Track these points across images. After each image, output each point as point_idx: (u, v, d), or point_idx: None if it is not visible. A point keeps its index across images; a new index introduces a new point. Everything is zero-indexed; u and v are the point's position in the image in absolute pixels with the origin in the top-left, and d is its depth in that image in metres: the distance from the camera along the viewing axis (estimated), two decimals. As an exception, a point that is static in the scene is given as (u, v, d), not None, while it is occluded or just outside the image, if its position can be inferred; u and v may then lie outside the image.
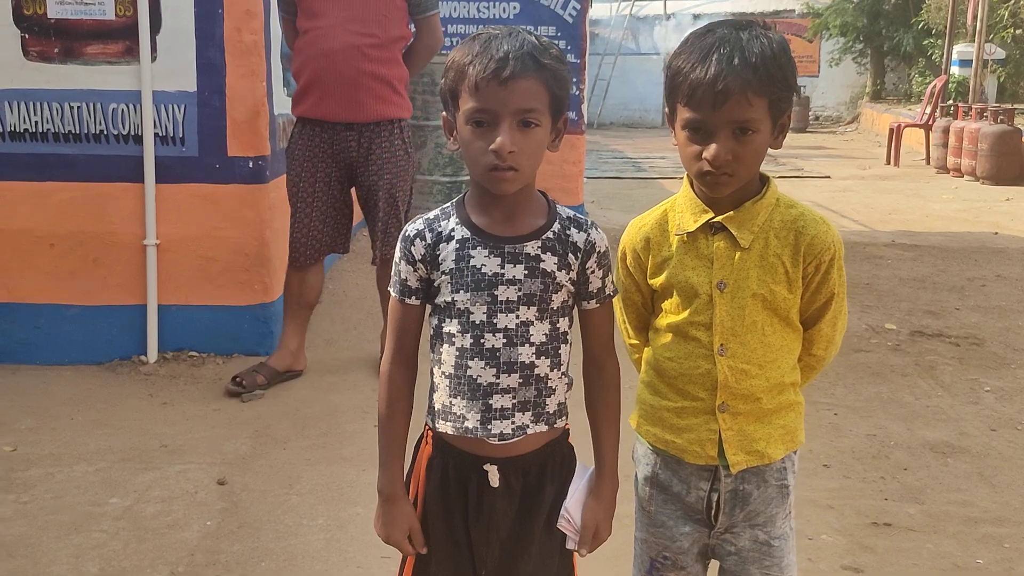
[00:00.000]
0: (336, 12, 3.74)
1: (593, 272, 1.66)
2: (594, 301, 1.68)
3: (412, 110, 4.04)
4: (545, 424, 1.64)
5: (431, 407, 1.68)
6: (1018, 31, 13.17)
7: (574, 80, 7.00)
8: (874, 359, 4.36)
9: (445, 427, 1.65)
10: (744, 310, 1.65)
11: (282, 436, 3.49)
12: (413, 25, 3.98)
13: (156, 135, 4.05)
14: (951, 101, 13.53)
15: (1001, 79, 15.40)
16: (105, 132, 4.06)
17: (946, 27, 14.56)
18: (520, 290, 1.60)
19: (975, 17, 13.56)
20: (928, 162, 12.55)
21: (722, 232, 1.65)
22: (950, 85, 14.14)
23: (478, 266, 1.61)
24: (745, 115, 1.55)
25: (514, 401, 1.61)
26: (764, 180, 1.69)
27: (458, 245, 1.62)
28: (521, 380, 1.61)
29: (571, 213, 1.67)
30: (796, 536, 1.81)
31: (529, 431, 1.63)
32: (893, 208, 8.92)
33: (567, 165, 7.37)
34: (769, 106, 1.57)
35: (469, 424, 1.62)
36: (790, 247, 1.65)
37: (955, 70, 14.63)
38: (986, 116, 11.17)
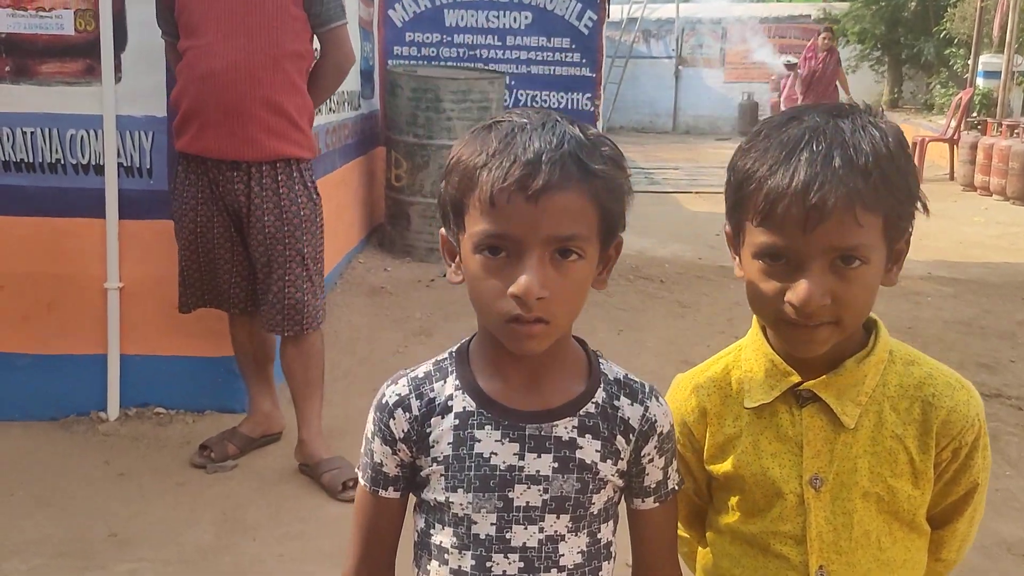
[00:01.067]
0: (216, 26, 3.04)
1: (652, 461, 1.18)
2: (652, 499, 1.20)
3: (316, 149, 3.33)
4: None
5: None
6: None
7: (588, 96, 6.52)
8: (928, 426, 3.87)
9: None
10: (852, 517, 1.17)
11: (252, 521, 3.01)
12: (317, 41, 3.28)
13: (120, 165, 3.57)
14: (976, 114, 13.00)
15: (1029, 92, 14.85)
16: (62, 161, 3.57)
17: (971, 37, 14.03)
18: (547, 492, 1.13)
19: (1003, 27, 13.03)
20: (952, 178, 12.02)
21: (814, 403, 1.17)
22: (975, 97, 13.61)
23: (485, 455, 1.13)
24: (851, 240, 1.07)
25: None
26: (869, 327, 1.20)
27: (457, 422, 1.14)
28: None
29: (621, 374, 1.19)
30: None
31: None
32: (923, 232, 8.37)
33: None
34: (884, 227, 1.09)
35: None
36: (916, 424, 1.17)
37: (980, 81, 14.10)
38: (1018, 133, 10.65)
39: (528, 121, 1.09)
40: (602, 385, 1.18)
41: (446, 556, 1.15)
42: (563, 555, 1.14)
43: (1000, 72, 13.21)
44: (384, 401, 1.19)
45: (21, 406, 3.67)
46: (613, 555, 1.20)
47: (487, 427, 1.14)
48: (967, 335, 5.13)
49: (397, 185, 5.86)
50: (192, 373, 3.74)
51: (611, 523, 1.20)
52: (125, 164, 3.58)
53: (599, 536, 1.17)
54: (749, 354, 1.23)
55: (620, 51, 20.17)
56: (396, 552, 1.24)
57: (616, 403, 1.17)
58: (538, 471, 1.13)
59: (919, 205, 1.13)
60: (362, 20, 5.88)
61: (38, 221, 3.61)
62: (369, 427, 1.21)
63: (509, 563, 1.13)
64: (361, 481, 1.22)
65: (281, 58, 3.11)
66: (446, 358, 1.20)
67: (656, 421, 1.18)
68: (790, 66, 13.38)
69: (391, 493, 1.20)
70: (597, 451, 1.15)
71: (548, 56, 6.42)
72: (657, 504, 1.21)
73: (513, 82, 6.34)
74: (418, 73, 5.76)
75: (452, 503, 1.14)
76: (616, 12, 20.47)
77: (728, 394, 1.24)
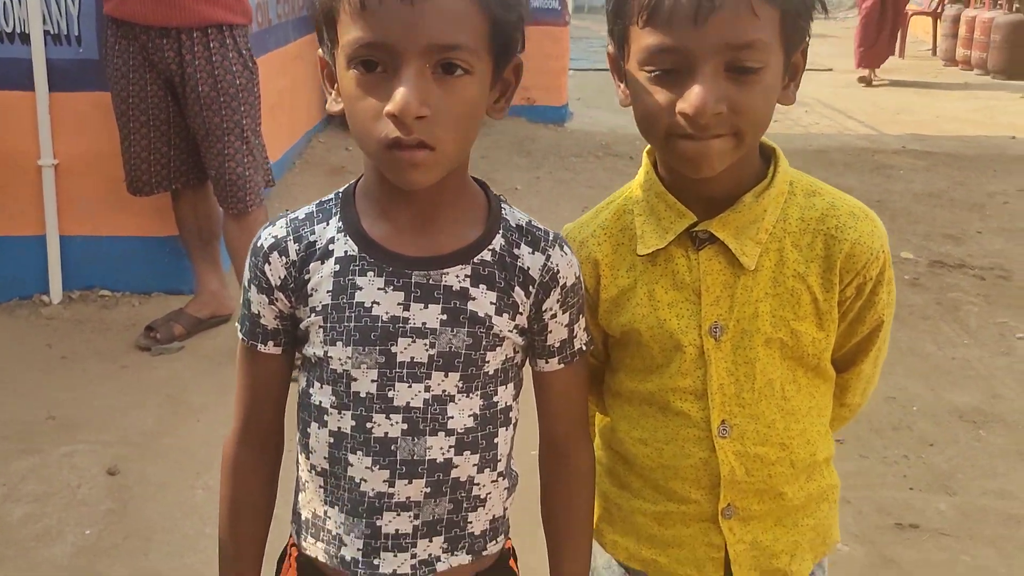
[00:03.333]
0: None
1: (555, 317, 1.07)
2: (556, 360, 1.10)
3: (251, 14, 3.16)
4: (468, 553, 1.09)
5: (296, 514, 1.13)
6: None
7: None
8: (890, 298, 3.83)
9: (315, 549, 1.10)
10: (754, 366, 1.08)
11: (197, 403, 2.94)
12: None
13: (46, 33, 3.37)
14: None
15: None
16: (-16, 30, 3.37)
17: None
18: (434, 346, 1.03)
19: None
20: (935, 53, 11.78)
21: (711, 245, 1.07)
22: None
23: (367, 304, 1.02)
24: (746, 34, 0.96)
25: (416, 523, 1.06)
26: (768, 157, 1.09)
27: (338, 267, 1.03)
28: (429, 489, 1.05)
29: (524, 220, 1.07)
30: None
31: (440, 567, 1.08)
32: (901, 107, 8.24)
33: (549, 60, 6.64)
34: (781, 25, 0.98)
35: (348, 553, 1.07)
36: (819, 260, 1.07)
37: (966, -48, 13.69)
38: (1000, 4, 10.37)
39: None
40: (501, 231, 1.06)
41: (325, 417, 1.06)
42: (452, 417, 1.05)
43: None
44: (259, 244, 1.07)
45: (-39, 290, 3.56)
46: (513, 422, 1.11)
47: (369, 273, 1.02)
48: (936, 207, 5.06)
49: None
50: (137, 253, 3.63)
51: (511, 387, 1.10)
52: (52, 31, 3.38)
53: (495, 399, 1.07)
54: (640, 196, 1.12)
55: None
56: (284, 413, 1.15)
57: (516, 251, 1.05)
58: (424, 323, 1.02)
59: (817, 5, 1.01)
60: None
61: (-38, 95, 3.42)
62: (246, 274, 1.09)
63: (391, 424, 1.04)
64: (240, 335, 1.12)
65: None
66: (331, 199, 1.08)
67: (558, 272, 1.06)
68: None
69: (271, 348, 1.10)
70: (492, 303, 1.04)
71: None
72: (562, 365, 1.10)
73: None
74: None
75: (331, 357, 1.04)
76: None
77: (620, 242, 1.13)
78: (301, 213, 1.08)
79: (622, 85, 1.06)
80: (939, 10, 11.88)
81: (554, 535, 1.15)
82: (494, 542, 1.11)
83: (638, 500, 1.16)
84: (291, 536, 1.15)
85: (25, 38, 3.37)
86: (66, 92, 3.43)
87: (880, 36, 9.47)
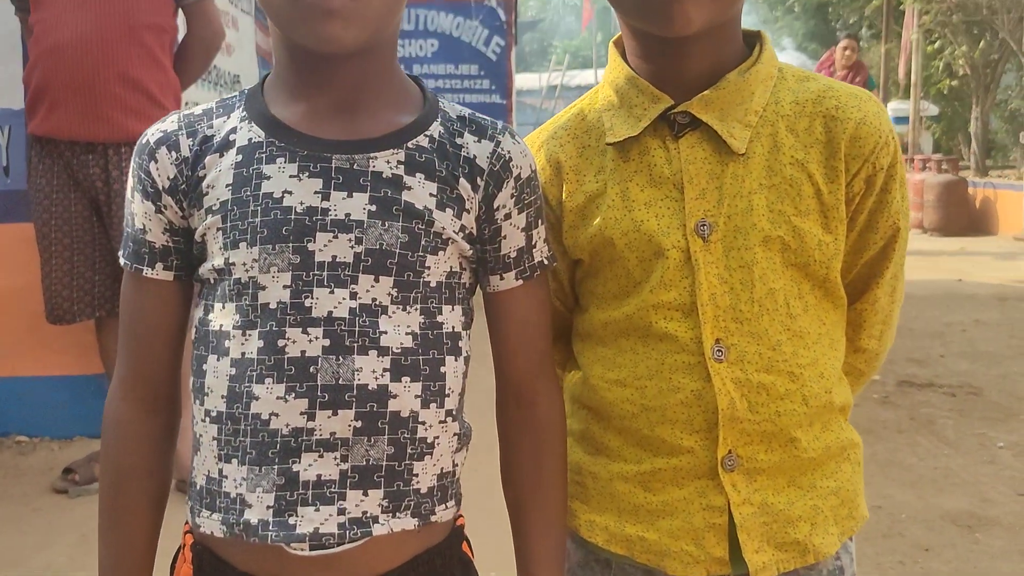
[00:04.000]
0: None
1: (509, 217, 0.90)
2: (513, 274, 0.92)
3: None
4: (413, 516, 0.87)
5: (191, 484, 0.90)
6: (953, 82, 12.98)
7: (501, 124, 6.35)
8: (862, 414, 3.66)
9: (211, 523, 0.86)
10: (752, 271, 0.90)
11: (115, 541, 2.62)
12: (183, 14, 2.97)
13: (-28, 164, 3.25)
14: (889, 157, 13.28)
15: (936, 135, 15.27)
16: (-94, 162, 3.24)
17: (878, 84, 14.39)
18: (361, 242, 0.84)
19: (907, 73, 13.40)
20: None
21: (693, 131, 0.91)
22: (887, 141, 13.92)
23: (276, 194, 0.84)
24: None
25: (344, 467, 0.84)
26: (752, 42, 0.96)
27: (240, 157, 0.86)
28: (360, 423, 0.84)
29: (466, 111, 0.92)
30: None
31: (378, 530, 0.85)
32: (846, 259, 8.39)
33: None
34: None
35: (253, 516, 0.84)
36: (819, 146, 0.91)
37: (890, 127, 14.46)
38: (929, 167, 10.83)
39: None
40: (440, 119, 0.90)
41: (226, 343, 0.85)
42: (385, 332, 0.85)
43: (908, 117, 13.56)
44: (145, 141, 0.90)
45: None
46: (463, 354, 0.91)
47: (279, 160, 0.85)
48: (897, 336, 4.99)
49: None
50: (58, 395, 3.36)
51: (458, 310, 0.90)
52: (-23, 162, 3.25)
53: (440, 320, 0.88)
54: (606, 88, 0.97)
55: (541, 118, 20.36)
56: (179, 365, 0.94)
57: (459, 140, 0.89)
58: (348, 214, 0.84)
59: None
60: (260, 50, 5.65)
61: None
62: (129, 181, 0.91)
63: (310, 340, 0.83)
64: (122, 260, 0.92)
65: (139, 29, 2.81)
66: (234, 95, 0.92)
67: (511, 159, 0.90)
68: None
69: (160, 272, 0.90)
70: (432, 195, 0.86)
71: (457, 84, 6.26)
72: (520, 281, 0.92)
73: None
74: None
75: (233, 265, 0.85)
76: (535, 80, 20.75)
77: (586, 143, 0.97)
78: (198, 109, 0.91)
79: None
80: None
81: (519, 506, 0.94)
82: (444, 506, 0.88)
83: (618, 463, 0.94)
84: (186, 522, 0.90)
85: (-50, 170, 3.24)
86: (-10, 224, 3.28)
87: None
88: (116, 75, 2.78)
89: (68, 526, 2.73)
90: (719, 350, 0.90)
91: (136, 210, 0.90)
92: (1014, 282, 6.24)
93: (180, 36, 3.03)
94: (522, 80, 14.58)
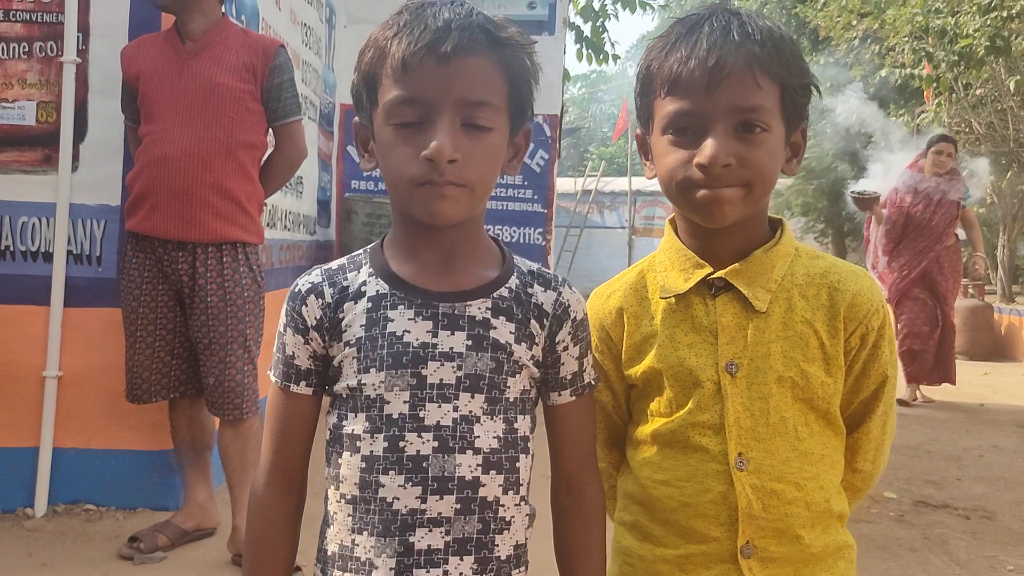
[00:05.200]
0: (174, 114, 3.13)
1: (567, 349, 1.18)
2: (568, 392, 1.20)
3: (263, 236, 3.38)
4: None
5: (321, 552, 1.16)
6: (981, 209, 13.26)
7: (540, 231, 6.71)
8: (878, 531, 3.83)
9: None
10: (768, 402, 1.17)
11: (178, 608, 2.85)
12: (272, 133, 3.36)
13: (69, 252, 3.59)
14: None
15: (964, 260, 15.47)
16: (11, 248, 3.58)
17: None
18: (460, 368, 1.12)
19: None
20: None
21: (726, 293, 1.20)
22: (914, 263, 14.13)
23: (398, 333, 1.13)
24: (751, 100, 1.13)
25: (448, 539, 1.10)
26: (775, 226, 1.25)
27: (370, 304, 1.14)
28: (459, 506, 1.11)
29: (534, 266, 1.21)
30: None
31: None
32: (870, 378, 8.54)
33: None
34: (782, 98, 1.16)
35: (379, 574, 1.09)
36: (824, 309, 1.19)
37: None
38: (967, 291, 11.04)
39: (437, 0, 1.14)
40: (515, 274, 1.19)
41: (358, 443, 1.12)
42: (478, 437, 1.12)
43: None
44: (297, 290, 1.19)
45: (-57, 501, 3.51)
46: (531, 452, 1.18)
47: (400, 307, 1.14)
48: (914, 457, 5.16)
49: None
50: (127, 468, 3.63)
51: (528, 419, 1.18)
52: (75, 252, 3.59)
53: (516, 426, 1.15)
54: (662, 255, 1.27)
55: (575, 221, 20.88)
56: (309, 457, 1.21)
57: (530, 290, 1.18)
58: (451, 348, 1.12)
59: (814, 89, 1.20)
60: (321, 152, 6.06)
61: (-20, 308, 3.57)
62: (282, 320, 1.20)
63: (423, 442, 1.10)
64: (273, 379, 1.20)
65: (234, 147, 3.18)
66: (360, 253, 1.21)
67: (569, 306, 1.19)
68: (863, 199, 6.73)
69: (303, 388, 1.18)
70: (511, 332, 1.15)
71: (502, 192, 6.63)
72: (574, 397, 1.20)
73: (468, 217, 6.51)
74: (374, 199, 5.91)
75: (364, 384, 1.13)
76: (570, 185, 21.32)
77: (644, 296, 1.26)
78: (334, 264, 1.21)
79: (648, 162, 1.23)
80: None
81: (570, 569, 1.19)
82: (518, 570, 1.13)
83: (660, 548, 1.20)
84: None
85: (48, 256, 3.58)
86: (79, 308, 3.59)
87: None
88: (211, 184, 3.13)
89: (135, 591, 2.96)
90: (741, 461, 1.17)
91: (288, 341, 1.19)
92: (1034, 410, 6.39)
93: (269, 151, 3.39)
94: (559, 184, 15.23)
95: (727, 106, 1.13)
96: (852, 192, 6.83)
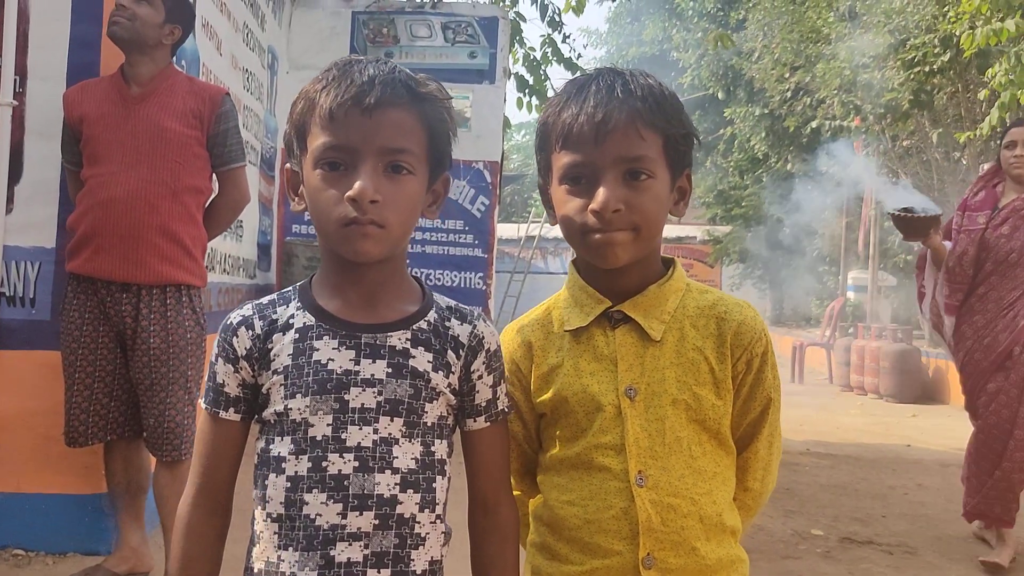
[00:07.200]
0: (120, 157, 3.15)
1: (481, 378, 1.27)
2: (483, 418, 1.28)
3: (207, 279, 3.42)
4: None
5: (248, 571, 1.22)
6: (909, 256, 13.72)
7: (480, 276, 6.80)
8: (805, 567, 3.93)
9: None
10: (664, 423, 1.27)
11: (107, 651, 2.83)
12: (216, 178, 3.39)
13: (2, 295, 3.57)
14: (848, 322, 13.86)
15: (895, 305, 15.94)
16: (-58, 289, 3.56)
17: (839, 255, 15.15)
18: (381, 394, 1.20)
19: (866, 244, 14.15)
20: (831, 380, 12.62)
21: (625, 324, 1.30)
22: (847, 308, 14.54)
23: (323, 361, 1.21)
24: (635, 150, 1.24)
25: (366, 552, 1.17)
26: (668, 264, 1.36)
27: (297, 336, 1.22)
28: (378, 521, 1.18)
29: (452, 302, 1.30)
30: None
31: None
32: (803, 420, 8.73)
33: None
34: (665, 147, 1.27)
35: None
36: (713, 338, 1.30)
37: (850, 295, 15.11)
38: (885, 335, 11.36)
39: (364, 57, 1.25)
40: (434, 309, 1.28)
41: (283, 464, 1.19)
42: (397, 458, 1.19)
43: (867, 286, 14.24)
44: (229, 322, 1.26)
45: None
46: (447, 475, 1.25)
47: (325, 337, 1.22)
48: (841, 496, 5.30)
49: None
50: (57, 512, 3.59)
51: (445, 443, 1.26)
52: (8, 293, 3.58)
53: (433, 449, 1.23)
54: (566, 293, 1.37)
55: (519, 266, 21.07)
56: (235, 483, 1.26)
57: (447, 323, 1.27)
58: (373, 375, 1.20)
59: (694, 141, 1.31)
60: (262, 197, 6.11)
61: (-92, 350, 3.53)
62: (214, 350, 1.26)
63: (344, 462, 1.17)
64: (203, 405, 1.26)
65: (180, 191, 3.22)
66: (290, 290, 1.29)
67: (484, 338, 1.28)
68: (912, 221, 3.98)
69: (231, 415, 1.24)
70: (429, 362, 1.23)
71: (442, 237, 6.73)
72: (488, 424, 1.28)
73: (408, 261, 6.57)
74: (315, 244, 5.96)
75: (291, 409, 1.20)
76: (513, 231, 21.53)
77: (550, 330, 1.35)
78: (265, 300, 1.28)
79: (550, 210, 1.33)
80: (831, 342, 12.91)
81: None
82: None
83: (567, 565, 1.28)
84: None
85: (-19, 299, 3.56)
86: (12, 350, 3.57)
87: None
88: (157, 227, 3.16)
89: (62, 636, 2.93)
90: (641, 478, 1.26)
91: (219, 369, 1.26)
92: (957, 450, 6.58)
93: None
94: (501, 229, 15.38)
95: (614, 156, 1.24)
96: (895, 210, 4.03)
